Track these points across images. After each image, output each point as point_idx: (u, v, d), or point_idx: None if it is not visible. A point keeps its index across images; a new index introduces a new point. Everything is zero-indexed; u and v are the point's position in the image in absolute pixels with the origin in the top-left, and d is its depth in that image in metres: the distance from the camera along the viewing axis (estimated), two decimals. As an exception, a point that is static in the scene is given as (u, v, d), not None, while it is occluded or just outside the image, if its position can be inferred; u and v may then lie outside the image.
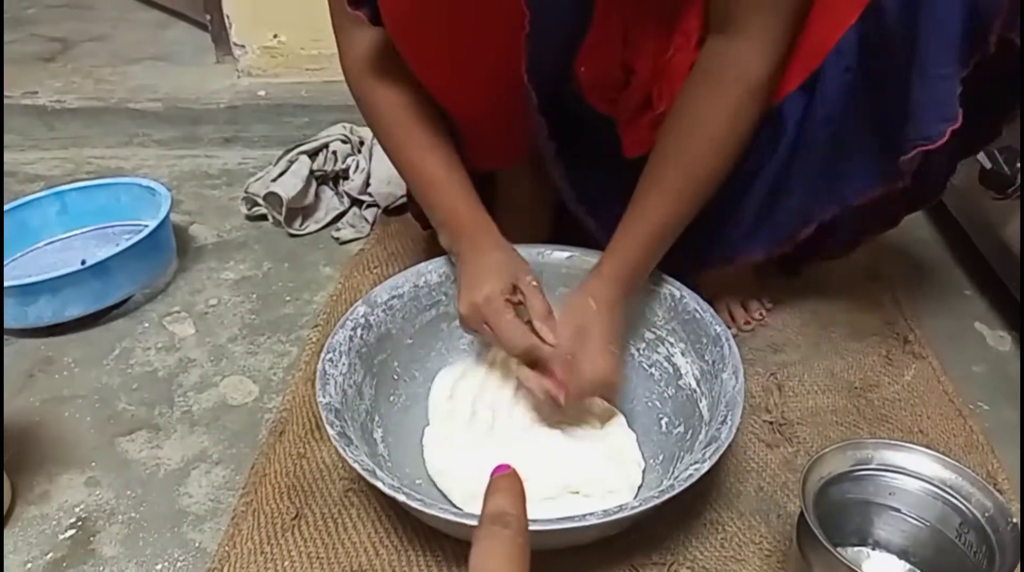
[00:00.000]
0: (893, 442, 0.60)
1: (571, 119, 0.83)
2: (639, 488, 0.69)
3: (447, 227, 0.76)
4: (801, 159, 0.77)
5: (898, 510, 0.60)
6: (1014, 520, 0.53)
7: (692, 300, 0.77)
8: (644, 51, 0.81)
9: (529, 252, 0.84)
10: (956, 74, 0.63)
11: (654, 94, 0.83)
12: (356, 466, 0.59)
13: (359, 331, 0.74)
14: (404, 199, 1.15)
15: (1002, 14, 0.59)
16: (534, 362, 0.69)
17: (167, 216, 1.02)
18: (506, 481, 0.31)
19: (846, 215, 0.78)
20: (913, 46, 0.64)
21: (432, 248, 0.99)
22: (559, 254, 0.84)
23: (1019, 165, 0.93)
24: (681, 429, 0.72)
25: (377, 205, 1.16)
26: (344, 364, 0.71)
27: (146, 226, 0.99)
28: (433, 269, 0.82)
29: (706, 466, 0.59)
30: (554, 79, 0.79)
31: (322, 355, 0.70)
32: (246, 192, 1.17)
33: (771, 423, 0.78)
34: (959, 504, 0.57)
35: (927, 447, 0.59)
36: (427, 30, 0.70)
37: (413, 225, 1.05)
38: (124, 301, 0.99)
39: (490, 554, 0.28)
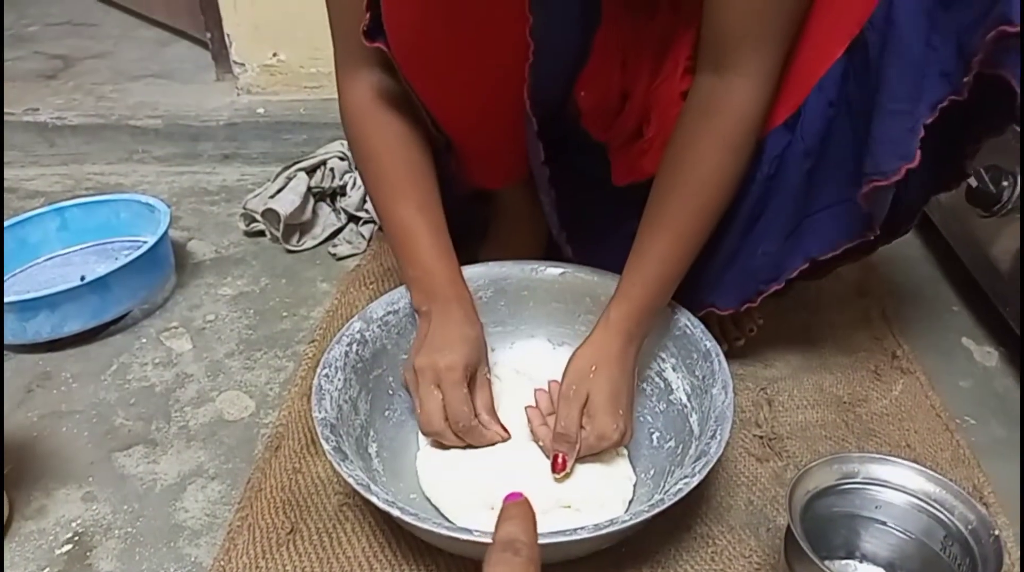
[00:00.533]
0: (878, 456, 0.61)
1: (566, 146, 0.84)
2: (630, 502, 0.70)
3: (420, 286, 0.75)
4: (776, 196, 0.76)
5: (884, 523, 0.61)
6: (995, 532, 0.54)
7: (683, 316, 0.78)
8: (640, 78, 0.83)
9: (523, 268, 0.86)
10: (913, 111, 0.62)
11: (643, 122, 0.85)
12: (351, 481, 0.60)
13: (355, 346, 0.75)
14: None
15: (981, 52, 0.58)
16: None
17: (166, 232, 1.03)
18: (518, 509, 0.32)
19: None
20: (880, 81, 0.65)
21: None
22: (552, 270, 0.86)
23: (1005, 183, 0.95)
24: (672, 443, 0.73)
25: (374, 221, 1.17)
26: (340, 379, 0.72)
27: (145, 242, 1.00)
28: (428, 285, 0.83)
29: (695, 480, 0.60)
30: (555, 104, 0.80)
31: (318, 370, 0.71)
32: (244, 208, 1.19)
33: (761, 437, 0.79)
34: (943, 517, 0.58)
35: (913, 461, 0.61)
36: (433, 57, 0.71)
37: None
38: (122, 316, 1.00)
39: None
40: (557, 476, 0.69)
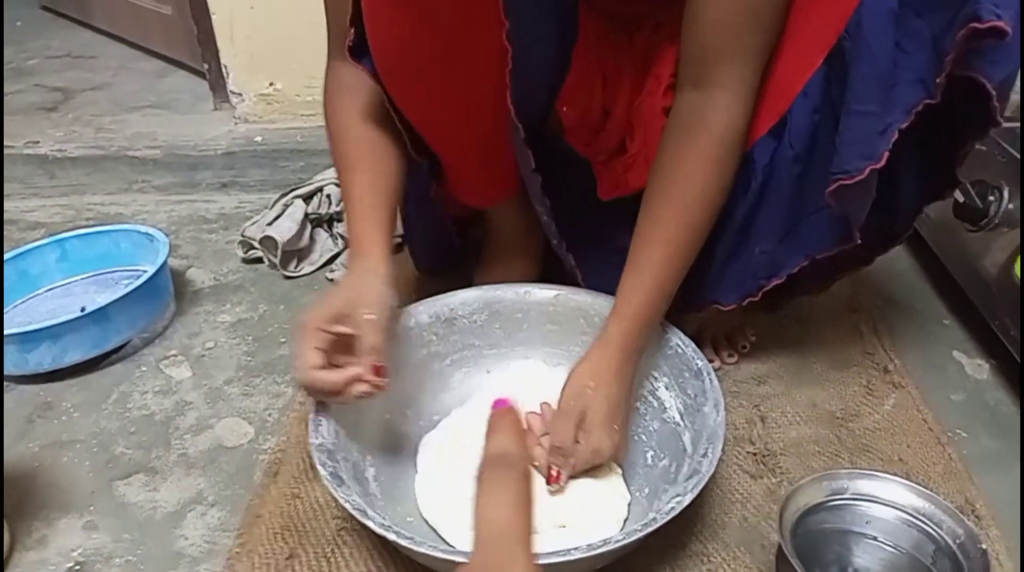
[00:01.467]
0: (867, 472, 0.62)
1: (553, 159, 0.86)
2: (625, 521, 0.71)
3: (349, 244, 0.78)
4: (770, 201, 0.78)
5: (875, 538, 0.62)
6: (983, 547, 0.55)
7: (675, 335, 0.79)
8: (621, 94, 0.85)
9: (516, 290, 0.87)
10: (883, 114, 0.64)
11: (627, 137, 0.86)
12: (347, 506, 0.61)
13: (351, 372, 0.76)
14: (398, 240, 1.18)
15: (954, 51, 0.60)
16: None
17: (165, 262, 1.04)
18: (508, 418, 0.30)
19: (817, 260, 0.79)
20: (849, 85, 0.67)
21: (423, 288, 1.01)
22: (546, 292, 0.87)
23: (991, 198, 0.96)
24: (666, 462, 0.74)
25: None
26: (337, 405, 0.72)
27: (144, 271, 1.01)
28: (423, 309, 0.84)
29: (688, 499, 0.61)
30: (538, 116, 0.82)
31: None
32: (242, 236, 1.20)
33: (755, 454, 0.79)
34: (932, 531, 0.58)
35: (904, 476, 0.61)
36: (417, 71, 0.73)
37: (405, 265, 1.08)
38: (122, 345, 1.01)
39: (498, 501, 0.27)
40: (551, 488, 0.70)
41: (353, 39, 0.73)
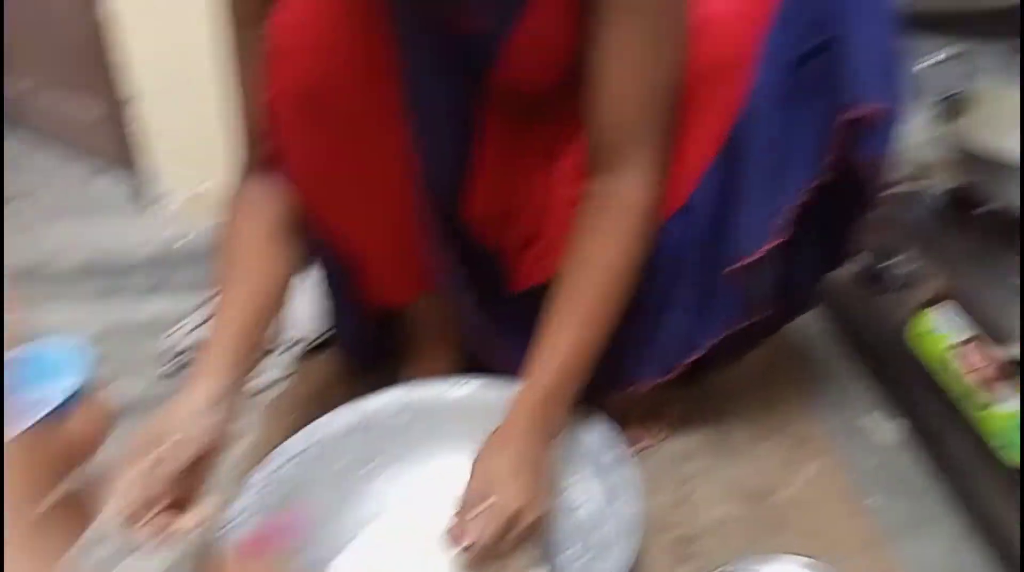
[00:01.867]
0: (774, 557, 0.63)
1: (464, 254, 0.87)
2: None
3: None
4: (681, 277, 0.81)
5: (787, 626, 0.62)
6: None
7: (588, 427, 0.79)
8: (525, 186, 0.87)
9: (434, 388, 0.87)
10: (775, 196, 0.69)
11: (538, 227, 0.88)
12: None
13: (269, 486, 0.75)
14: (321, 340, 1.18)
15: (834, 137, 0.65)
16: None
17: (84, 383, 1.01)
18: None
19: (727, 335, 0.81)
20: (744, 169, 0.71)
21: (355, 385, 0.99)
22: (465, 388, 0.87)
23: (891, 261, 1.00)
24: (588, 557, 0.73)
25: (297, 344, 1.18)
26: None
27: (68, 388, 0.98)
28: (341, 417, 0.84)
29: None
30: (446, 214, 0.84)
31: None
32: (165, 346, 1.18)
33: (679, 539, 0.80)
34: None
35: (817, 551, 0.62)
36: (322, 176, 0.77)
37: (335, 363, 1.07)
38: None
39: None
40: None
41: (270, 149, 0.75)
